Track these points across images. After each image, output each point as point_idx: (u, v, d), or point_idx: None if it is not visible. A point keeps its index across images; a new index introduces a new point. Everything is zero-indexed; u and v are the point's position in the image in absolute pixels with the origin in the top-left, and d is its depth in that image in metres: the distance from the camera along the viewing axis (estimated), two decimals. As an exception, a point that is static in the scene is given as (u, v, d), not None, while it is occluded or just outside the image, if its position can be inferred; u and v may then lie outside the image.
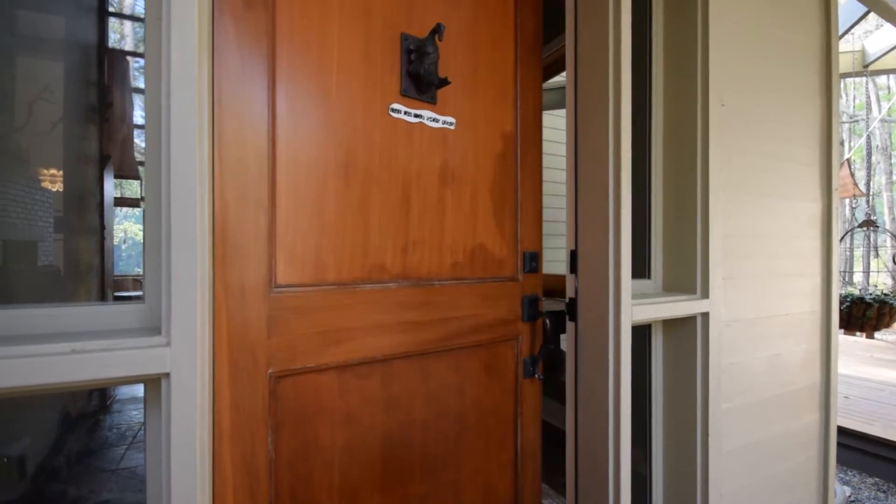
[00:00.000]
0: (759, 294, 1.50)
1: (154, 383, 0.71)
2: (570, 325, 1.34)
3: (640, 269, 1.51)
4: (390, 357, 1.05)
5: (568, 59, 1.33)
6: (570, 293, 1.34)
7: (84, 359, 0.65)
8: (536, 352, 1.33)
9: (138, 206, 7.50)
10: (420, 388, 1.11)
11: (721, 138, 1.39)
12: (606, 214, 1.19)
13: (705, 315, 1.36)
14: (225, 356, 0.84)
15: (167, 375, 0.68)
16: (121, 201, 7.27)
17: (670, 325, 1.44)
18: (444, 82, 1.10)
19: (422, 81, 1.07)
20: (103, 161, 4.31)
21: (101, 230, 4.23)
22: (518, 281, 1.29)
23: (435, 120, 1.12)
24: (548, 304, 2.60)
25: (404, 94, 1.07)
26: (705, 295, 1.36)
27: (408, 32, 1.08)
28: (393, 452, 1.06)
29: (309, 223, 0.94)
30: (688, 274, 1.40)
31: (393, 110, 1.06)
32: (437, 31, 1.03)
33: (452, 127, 1.15)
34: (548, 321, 1.29)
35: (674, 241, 1.45)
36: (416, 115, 1.09)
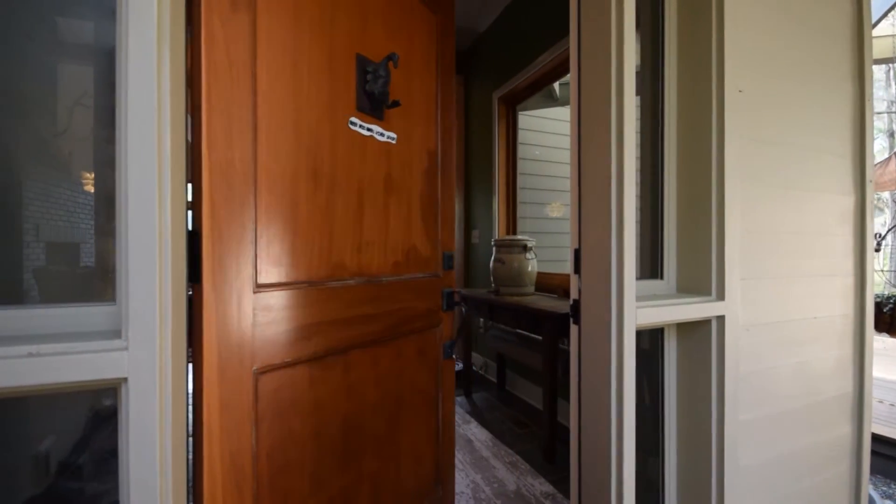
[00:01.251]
0: (783, 296, 1.38)
1: (117, 388, 0.69)
2: (573, 329, 1.27)
3: (653, 269, 1.42)
4: (349, 347, 1.14)
5: (571, 53, 1.27)
6: (573, 294, 1.27)
7: (40, 363, 0.63)
8: (454, 336, 1.53)
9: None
10: (371, 374, 1.21)
11: (739, 128, 1.28)
12: (608, 210, 1.12)
13: (721, 318, 1.26)
14: (214, 356, 0.86)
15: (125, 380, 0.66)
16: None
17: (684, 328, 1.35)
18: (396, 104, 1.23)
19: (375, 100, 1.18)
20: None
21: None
22: (440, 277, 1.46)
23: (381, 134, 1.23)
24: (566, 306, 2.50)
25: (360, 110, 1.16)
26: (721, 296, 1.26)
27: (362, 54, 1.17)
28: (351, 434, 1.15)
29: (285, 224, 0.97)
30: (702, 274, 1.30)
31: (351, 123, 1.14)
32: (391, 58, 1.16)
33: (394, 142, 1.27)
34: (464, 309, 1.58)
35: (688, 239, 1.35)
36: (368, 129, 1.18)
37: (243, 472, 0.90)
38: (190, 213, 0.86)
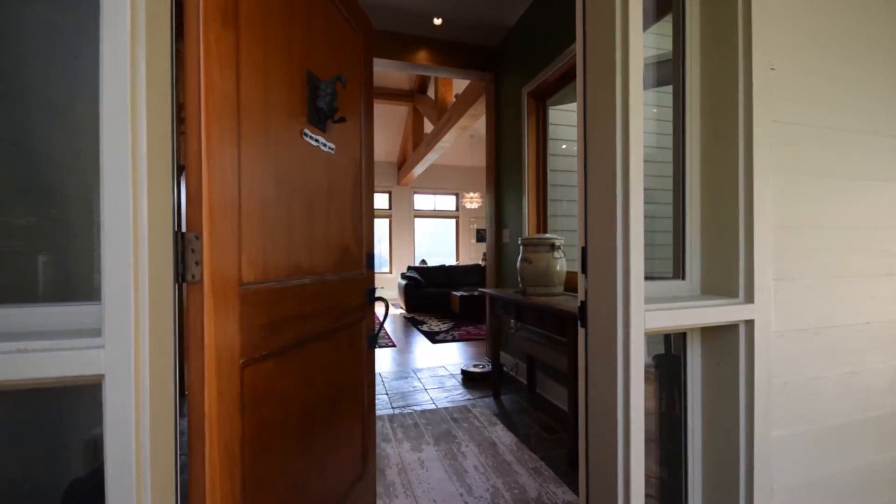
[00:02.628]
0: (827, 298, 1.22)
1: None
2: (581, 332, 1.20)
3: (675, 268, 1.32)
4: (305, 341, 1.22)
5: (577, 36, 1.19)
6: (580, 296, 1.20)
7: (27, 358, 0.67)
8: (375, 329, 1.69)
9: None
10: (319, 365, 1.30)
11: (771, 110, 1.15)
12: (614, 206, 1.04)
13: (749, 323, 1.14)
14: (213, 351, 0.90)
15: (103, 377, 0.69)
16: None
17: (709, 333, 1.23)
18: (342, 119, 1.36)
19: (323, 113, 1.27)
20: (179, 171, 4.81)
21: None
22: (364, 275, 1.61)
23: (325, 145, 1.32)
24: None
25: (310, 122, 1.24)
26: (749, 299, 1.14)
27: (312, 71, 1.26)
28: (306, 421, 1.23)
29: (259, 227, 1.02)
30: (729, 274, 1.18)
31: (304, 134, 1.21)
32: (339, 78, 1.28)
33: (333, 152, 1.37)
34: (387, 303, 1.65)
35: (713, 235, 1.23)
36: (316, 140, 1.27)
37: (234, 460, 0.95)
38: (184, 215, 0.88)
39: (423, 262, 9.28)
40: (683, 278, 1.28)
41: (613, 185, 1.03)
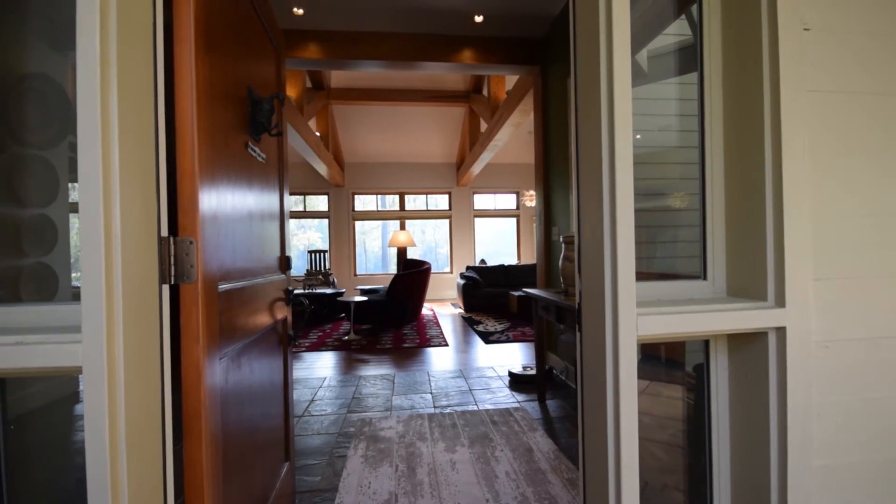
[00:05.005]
0: (892, 302, 1.00)
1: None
2: (577, 336, 1.11)
3: (698, 267, 1.17)
4: (254, 336, 1.30)
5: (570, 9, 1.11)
6: (577, 297, 1.10)
7: (23, 350, 0.77)
8: (292, 325, 1.82)
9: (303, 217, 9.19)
10: (261, 359, 1.40)
11: (805, 78, 0.97)
12: (601, 196, 0.94)
13: (780, 330, 0.97)
14: (204, 346, 0.97)
15: (80, 369, 0.76)
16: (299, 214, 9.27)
17: (736, 342, 1.07)
18: (279, 134, 1.50)
19: (262, 127, 1.37)
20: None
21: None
22: (286, 276, 1.72)
23: (259, 155, 1.42)
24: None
25: (250, 134, 1.34)
26: (780, 302, 0.97)
27: (251, 87, 1.35)
28: (255, 411, 1.34)
29: (227, 231, 1.10)
30: (755, 273, 1.02)
31: (247, 145, 1.30)
32: (277, 96, 1.40)
33: (264, 161, 1.48)
34: (304, 301, 1.84)
35: (737, 228, 1.07)
36: (254, 151, 1.37)
37: (218, 447, 1.02)
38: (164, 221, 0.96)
39: (483, 261, 9.22)
40: (705, 278, 1.13)
41: (599, 171, 0.93)
